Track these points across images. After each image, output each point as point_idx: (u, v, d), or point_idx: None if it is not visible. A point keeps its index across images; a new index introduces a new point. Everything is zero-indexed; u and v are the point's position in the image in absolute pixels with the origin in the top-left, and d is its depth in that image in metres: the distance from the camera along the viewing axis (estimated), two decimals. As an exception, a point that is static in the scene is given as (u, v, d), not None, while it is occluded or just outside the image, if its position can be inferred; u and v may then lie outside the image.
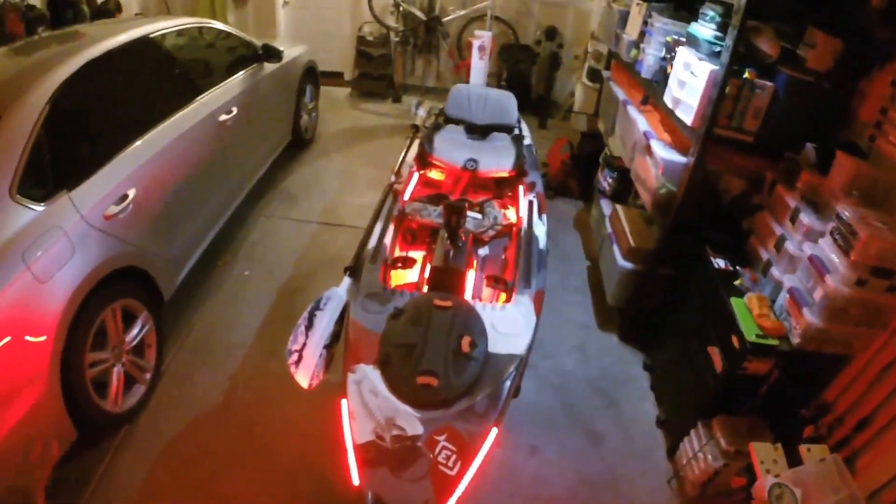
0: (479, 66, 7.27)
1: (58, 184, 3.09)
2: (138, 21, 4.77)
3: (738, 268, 3.34)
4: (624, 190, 4.95)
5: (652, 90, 4.31)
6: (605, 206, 4.97)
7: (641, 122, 4.33)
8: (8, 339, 2.59)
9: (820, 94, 3.23)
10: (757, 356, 2.86)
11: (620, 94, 4.99)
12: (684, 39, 3.82)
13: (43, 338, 2.76)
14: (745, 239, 3.48)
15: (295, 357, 2.68)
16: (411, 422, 2.25)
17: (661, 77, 4.11)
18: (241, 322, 4.34)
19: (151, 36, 4.30)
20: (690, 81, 3.47)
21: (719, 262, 3.37)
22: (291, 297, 4.62)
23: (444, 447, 2.25)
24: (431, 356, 2.39)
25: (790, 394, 3.02)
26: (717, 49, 3.44)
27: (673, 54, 3.87)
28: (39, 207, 2.91)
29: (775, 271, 3.10)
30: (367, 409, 2.31)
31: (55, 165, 3.13)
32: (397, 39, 8.67)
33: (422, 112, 5.24)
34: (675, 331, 3.77)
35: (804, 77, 3.22)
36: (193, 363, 3.97)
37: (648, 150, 3.99)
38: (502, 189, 4.05)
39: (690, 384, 3.38)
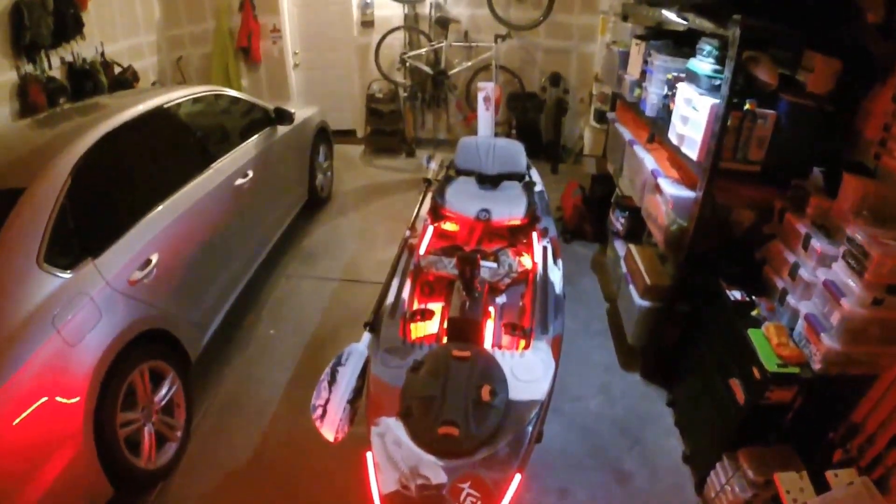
0: (485, 116, 7.34)
1: (83, 251, 3.20)
2: (154, 91, 5.03)
3: (754, 298, 3.30)
4: (636, 229, 4.93)
5: (656, 128, 4.32)
6: (619, 246, 4.96)
7: (649, 160, 4.33)
8: (44, 399, 2.71)
9: (823, 118, 3.23)
10: (779, 385, 2.82)
11: (626, 133, 5.00)
12: (685, 75, 3.83)
13: (76, 399, 2.85)
14: (759, 269, 3.45)
15: (319, 412, 2.75)
16: (435, 471, 2.27)
17: (665, 114, 4.12)
18: (268, 380, 4.38)
19: (166, 106, 4.44)
20: (693, 117, 3.49)
21: (735, 294, 3.35)
22: (316, 354, 4.63)
23: (468, 494, 2.26)
24: (451, 406, 2.42)
25: (817, 419, 2.96)
26: (717, 83, 3.44)
27: (674, 91, 3.88)
28: (66, 275, 3.03)
29: (791, 299, 3.07)
30: (391, 460, 2.33)
31: (79, 234, 3.25)
32: (406, 95, 8.77)
33: (433, 165, 5.29)
34: (696, 365, 3.73)
35: (805, 102, 3.22)
36: (224, 421, 4.02)
37: (657, 187, 3.99)
38: (516, 236, 4.07)
39: (714, 418, 3.33)
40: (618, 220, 5.12)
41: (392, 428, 2.43)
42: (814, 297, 2.92)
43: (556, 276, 3.57)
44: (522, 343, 3.08)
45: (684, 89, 3.67)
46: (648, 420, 3.98)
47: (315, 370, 4.01)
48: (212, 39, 8.92)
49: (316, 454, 3.65)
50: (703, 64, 3.62)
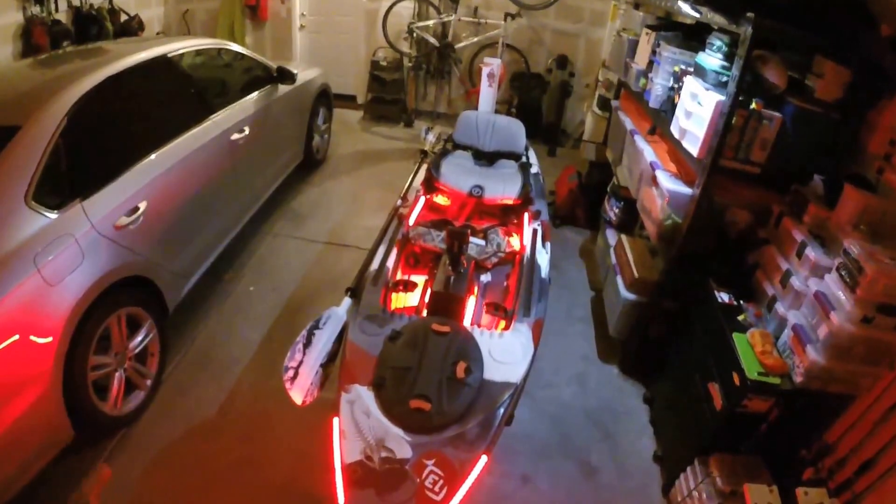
0: (487, 92, 7.27)
1: (72, 193, 3.19)
2: (159, 40, 4.89)
3: (742, 302, 3.24)
4: (630, 220, 4.90)
5: (659, 120, 4.24)
6: (611, 236, 4.92)
7: (648, 152, 4.28)
8: (16, 337, 2.68)
9: (828, 125, 3.16)
10: (757, 394, 2.75)
11: (629, 123, 4.94)
12: (692, 69, 3.76)
13: (49, 339, 2.85)
14: (750, 273, 3.39)
15: (291, 373, 2.69)
16: (401, 444, 2.26)
17: (669, 107, 4.04)
18: (242, 337, 4.38)
19: (170, 55, 4.41)
20: (697, 112, 3.41)
21: (723, 297, 3.28)
22: (294, 315, 4.63)
23: (431, 472, 2.25)
24: (425, 381, 2.41)
25: (791, 433, 2.91)
26: (724, 79, 3.38)
27: (680, 84, 3.80)
28: (53, 215, 3.02)
29: (780, 307, 3.00)
30: (358, 429, 2.32)
31: (70, 175, 3.23)
32: (410, 65, 8.76)
33: (431, 137, 5.24)
34: (677, 365, 3.68)
35: (812, 108, 3.15)
36: (193, 374, 4.00)
37: (654, 180, 3.93)
38: (507, 216, 4.04)
39: (689, 420, 3.28)
40: (612, 210, 5.09)
41: (363, 396, 2.41)
42: (803, 308, 2.85)
43: (543, 259, 3.52)
44: (502, 324, 3.07)
45: (691, 83, 3.59)
46: (622, 415, 3.95)
47: (289, 331, 4.28)
48: (221, -6, 8.83)
49: (280, 416, 3.67)
50: (711, 59, 3.54)
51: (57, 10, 6.23)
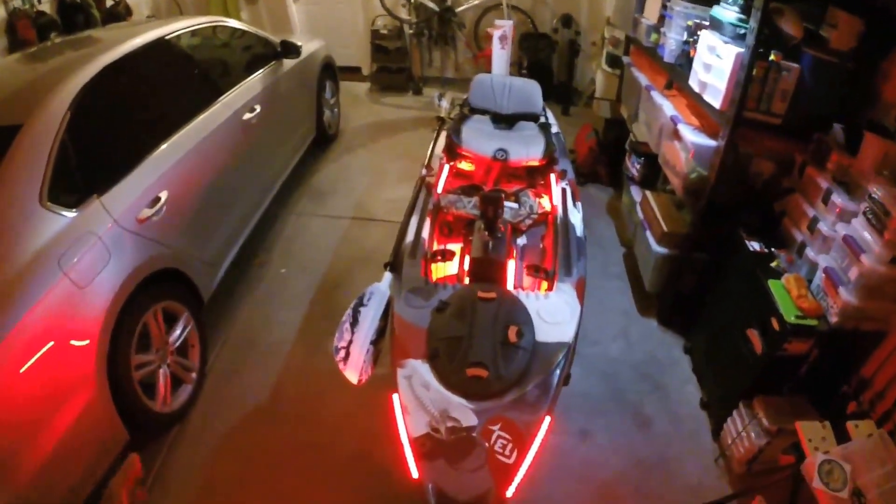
0: (500, 55, 7.26)
1: (88, 189, 3.14)
2: (153, 23, 4.78)
3: (773, 250, 3.37)
4: (652, 175, 4.97)
5: (676, 74, 4.32)
6: (635, 192, 5.03)
7: (668, 106, 4.34)
8: (52, 343, 2.65)
9: (844, 75, 3.23)
10: (797, 337, 2.90)
11: (643, 79, 5.00)
12: (706, 23, 3.83)
13: (86, 342, 2.83)
14: (778, 221, 3.50)
15: (342, 354, 2.72)
16: (465, 413, 2.27)
17: (685, 61, 4.12)
18: (281, 319, 4.43)
19: (168, 37, 4.37)
20: (717, 65, 3.48)
21: (754, 245, 3.41)
22: (330, 294, 4.68)
23: (499, 436, 2.28)
24: (479, 348, 2.41)
25: (830, 371, 3.06)
26: (742, 31, 3.45)
27: (695, 38, 3.88)
28: (71, 214, 2.96)
29: (810, 252, 3.13)
30: (419, 402, 2.34)
31: (83, 171, 3.18)
32: (411, 32, 8.72)
33: (445, 104, 5.25)
34: (713, 314, 3.81)
35: (828, 58, 3.22)
36: (237, 362, 4.06)
37: (676, 134, 4.02)
38: (533, 178, 4.05)
39: (731, 366, 3.43)
40: (633, 166, 5.15)
41: (419, 370, 2.41)
42: (832, 252, 2.98)
43: (576, 218, 3.51)
44: (544, 285, 3.07)
45: (707, 37, 3.66)
46: (667, 366, 4.08)
47: (327, 311, 4.54)
48: (211, -28, 8.80)
49: (334, 395, 3.74)
50: (727, 12, 3.62)
51: (40, 1, 6.27)
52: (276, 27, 8.95)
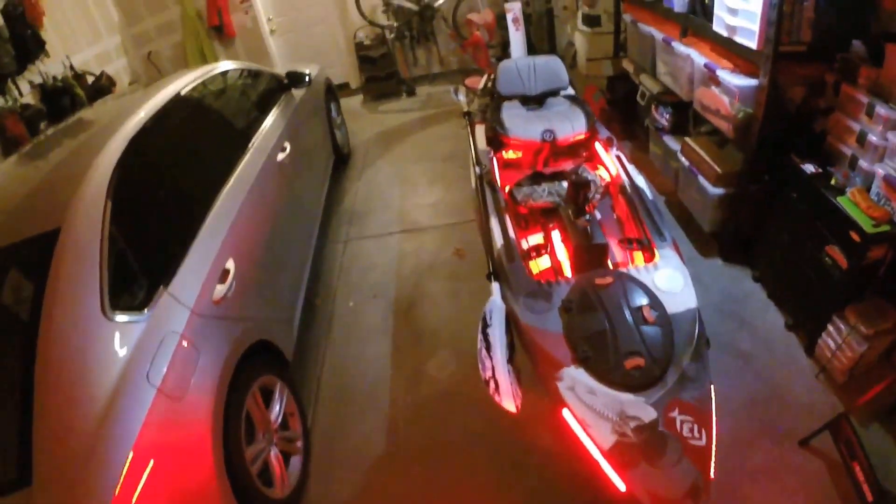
0: (517, 37, 7.46)
1: (153, 283, 2.77)
2: (156, 86, 4.20)
3: (828, 168, 3.56)
4: (683, 123, 5.09)
5: (690, 22, 4.50)
6: (670, 141, 5.15)
7: (695, 54, 4.43)
8: (162, 461, 2.36)
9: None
10: (877, 244, 3.12)
11: (656, 32, 5.14)
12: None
13: (200, 454, 2.56)
14: (821, 141, 3.68)
15: (492, 385, 2.64)
16: (642, 408, 2.28)
17: (700, 8, 4.30)
18: (368, 356, 4.22)
19: (183, 93, 4.07)
20: (744, 7, 3.62)
21: (808, 168, 3.60)
22: (408, 315, 4.52)
23: (682, 421, 2.27)
24: (625, 337, 2.45)
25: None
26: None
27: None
28: (143, 317, 2.59)
29: (863, 163, 3.33)
30: (594, 412, 2.30)
31: (141, 262, 2.82)
32: (393, 36, 8.85)
33: (462, 97, 5.37)
34: (779, 240, 3.98)
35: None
36: (340, 414, 3.83)
37: (714, 80, 4.18)
38: (577, 152, 4.15)
39: (815, 284, 3.61)
40: (662, 117, 5.26)
41: (578, 378, 2.38)
42: (886, 160, 3.20)
43: (642, 182, 3.53)
44: (640, 255, 3.13)
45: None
46: (743, 299, 4.19)
47: (414, 333, 4.31)
48: (180, 26, 8.96)
49: (454, 420, 3.60)
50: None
51: (21, 94, 6.24)
52: (255, 62, 8.98)
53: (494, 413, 2.86)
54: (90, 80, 7.33)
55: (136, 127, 3.35)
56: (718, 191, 4.29)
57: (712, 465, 2.21)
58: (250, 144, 4.29)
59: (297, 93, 5.74)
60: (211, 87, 4.54)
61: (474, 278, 4.70)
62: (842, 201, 3.32)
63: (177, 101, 3.94)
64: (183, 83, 4.17)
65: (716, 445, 2.26)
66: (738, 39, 3.81)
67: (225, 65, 5.02)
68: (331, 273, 5.25)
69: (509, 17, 7.39)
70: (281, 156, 4.61)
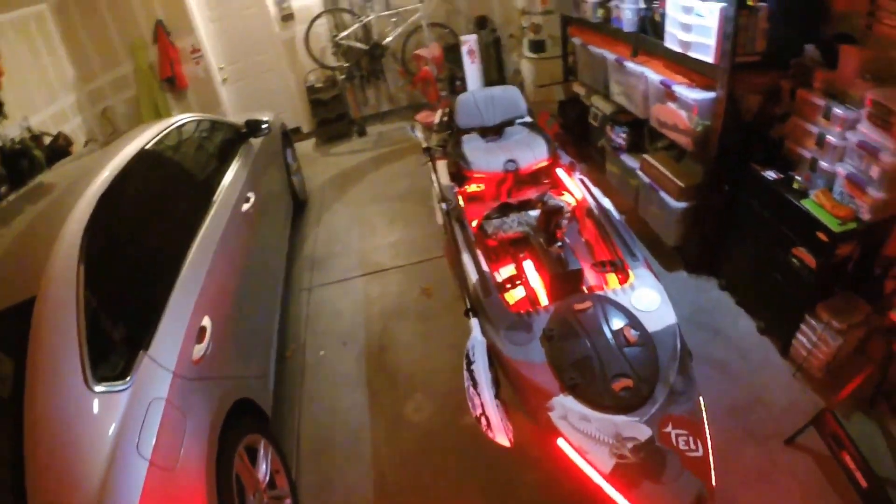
0: (472, 69, 7.54)
1: (130, 348, 2.64)
2: (117, 144, 4.04)
3: (789, 173, 3.64)
4: (639, 140, 5.18)
5: (642, 42, 4.60)
6: (628, 159, 5.20)
7: (649, 72, 4.52)
8: None
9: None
10: (844, 242, 3.22)
11: (608, 53, 5.22)
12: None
13: None
14: (779, 147, 3.77)
15: (484, 422, 2.68)
16: (636, 427, 2.32)
17: (650, 26, 4.40)
18: (346, 405, 4.14)
19: (147, 149, 3.96)
20: (699, 23, 3.71)
21: (769, 174, 3.69)
22: (381, 359, 4.46)
23: (678, 435, 2.31)
24: (610, 360, 2.49)
25: (867, 262, 3.42)
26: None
27: (656, 4, 4.17)
28: (125, 386, 2.45)
29: (823, 165, 3.41)
30: (590, 438, 2.33)
31: (118, 327, 2.70)
32: (343, 77, 8.89)
33: (419, 133, 5.41)
34: (745, 247, 4.07)
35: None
36: (323, 467, 3.73)
37: (670, 96, 4.26)
38: (539, 179, 4.18)
39: (783, 287, 3.69)
40: (618, 136, 5.31)
41: (568, 406, 2.41)
42: (846, 159, 3.29)
43: (608, 203, 3.60)
44: (614, 277, 3.19)
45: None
46: (713, 309, 4.26)
47: (389, 377, 4.26)
48: (134, 81, 8.91)
49: (439, 461, 3.56)
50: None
51: None
52: (208, 112, 8.94)
53: (480, 447, 3.00)
54: (47, 140, 7.14)
55: (102, 187, 3.24)
56: (681, 205, 4.35)
57: (712, 473, 2.26)
58: (215, 197, 4.22)
59: (255, 141, 5.64)
60: (173, 141, 4.47)
61: (444, 316, 4.72)
62: (806, 204, 3.41)
63: (140, 157, 3.84)
64: (145, 139, 4.07)
65: (713, 454, 2.30)
66: (693, 55, 3.88)
67: (184, 117, 4.91)
68: (298, 322, 5.15)
69: (464, 49, 7.46)
70: (245, 206, 4.53)
